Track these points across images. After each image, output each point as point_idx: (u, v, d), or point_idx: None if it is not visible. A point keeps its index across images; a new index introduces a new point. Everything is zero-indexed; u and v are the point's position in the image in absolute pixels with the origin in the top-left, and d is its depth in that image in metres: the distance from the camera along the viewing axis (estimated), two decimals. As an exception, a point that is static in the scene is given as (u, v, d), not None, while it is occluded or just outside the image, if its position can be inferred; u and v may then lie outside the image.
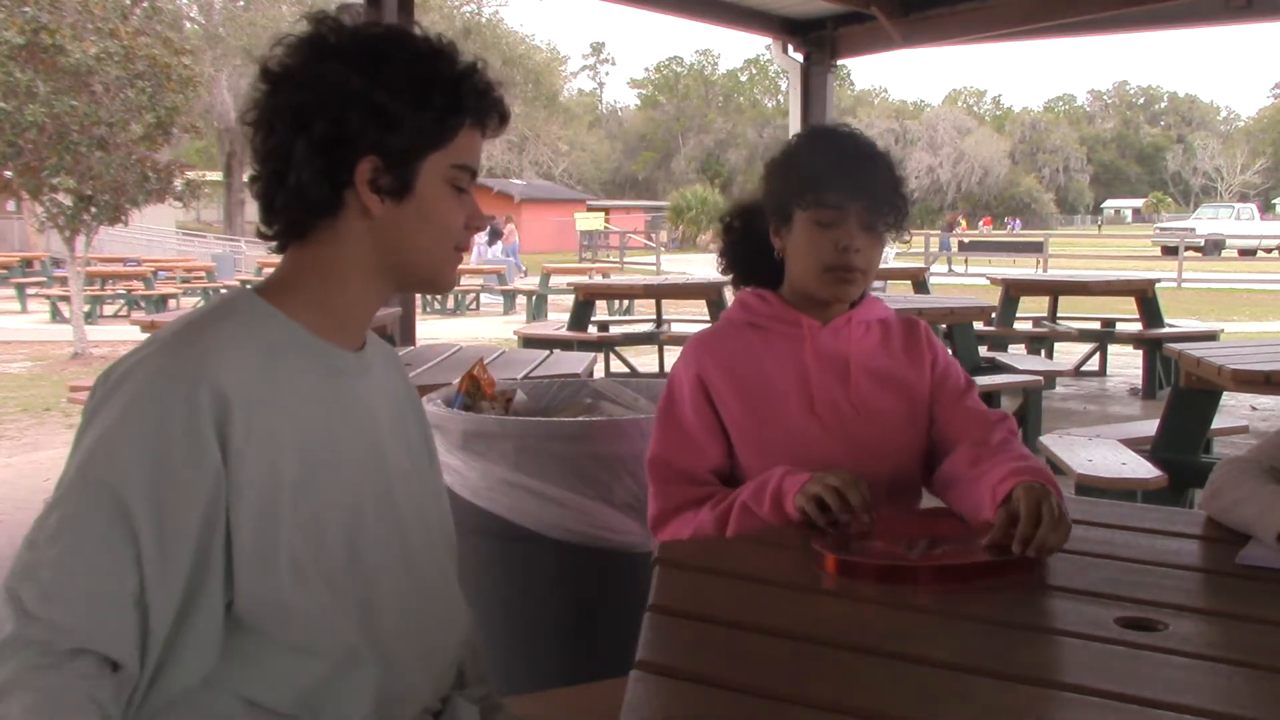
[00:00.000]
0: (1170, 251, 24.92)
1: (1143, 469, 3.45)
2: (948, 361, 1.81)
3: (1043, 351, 8.46)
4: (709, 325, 1.83)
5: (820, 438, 1.67)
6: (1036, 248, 26.28)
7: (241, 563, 1.07)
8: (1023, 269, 20.59)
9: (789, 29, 7.43)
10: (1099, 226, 60.56)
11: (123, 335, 11.75)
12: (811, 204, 1.64)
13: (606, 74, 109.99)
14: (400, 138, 1.13)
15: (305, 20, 1.16)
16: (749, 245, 1.80)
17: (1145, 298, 7.85)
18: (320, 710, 1.13)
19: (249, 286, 1.19)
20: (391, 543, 1.22)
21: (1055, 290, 8.86)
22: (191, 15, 33.32)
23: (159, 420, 1.03)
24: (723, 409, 1.69)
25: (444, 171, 1.17)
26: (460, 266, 1.45)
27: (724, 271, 1.87)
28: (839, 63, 7.72)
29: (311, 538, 1.12)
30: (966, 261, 25.83)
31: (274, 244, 1.19)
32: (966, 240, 31.06)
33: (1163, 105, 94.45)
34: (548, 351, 4.54)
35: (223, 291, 1.27)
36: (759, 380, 1.70)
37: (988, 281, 9.21)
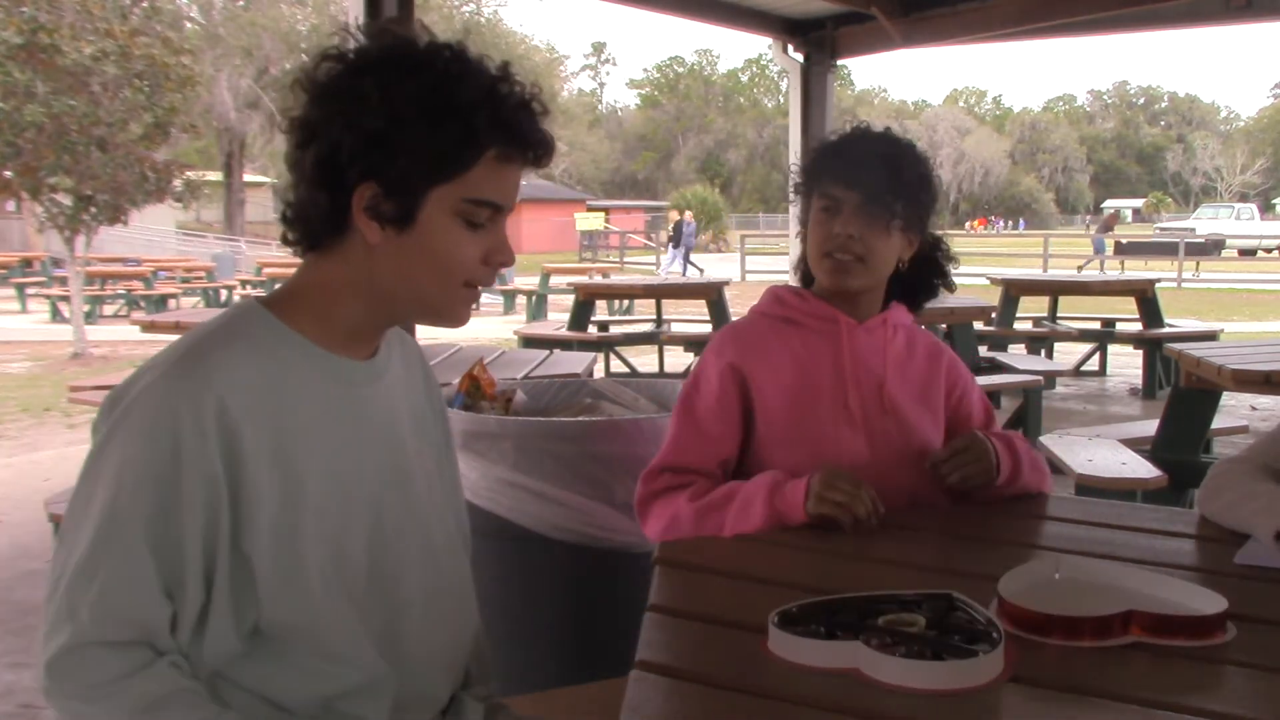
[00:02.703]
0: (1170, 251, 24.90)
1: (1143, 469, 3.45)
2: (965, 389, 1.84)
3: (1043, 351, 8.46)
4: (738, 319, 1.84)
5: (849, 435, 1.69)
6: (1200, 250, 24.41)
7: (264, 582, 1.09)
8: (1159, 272, 18.70)
9: (789, 29, 7.43)
10: (1087, 227, 60.17)
11: (123, 335, 11.74)
12: (816, 193, 1.70)
13: (607, 74, 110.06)
14: (398, 168, 1.08)
15: (338, 33, 1.13)
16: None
17: (1145, 298, 7.86)
18: (340, 714, 1.15)
19: (257, 299, 1.18)
20: (414, 546, 1.23)
21: (1055, 290, 8.87)
22: (191, 15, 33.29)
23: (170, 449, 1.04)
24: (758, 399, 1.70)
25: (453, 205, 1.11)
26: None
27: (801, 281, 1.87)
28: (839, 63, 7.71)
29: (336, 552, 1.14)
30: (1123, 265, 23.64)
31: (294, 250, 1.18)
32: (1125, 241, 28.00)
33: (1163, 105, 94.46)
34: (548, 351, 4.54)
35: (232, 303, 1.28)
36: (793, 374, 1.71)
37: (988, 281, 9.21)
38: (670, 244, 24.89)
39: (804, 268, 1.83)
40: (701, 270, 22.93)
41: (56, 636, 1.03)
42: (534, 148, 1.14)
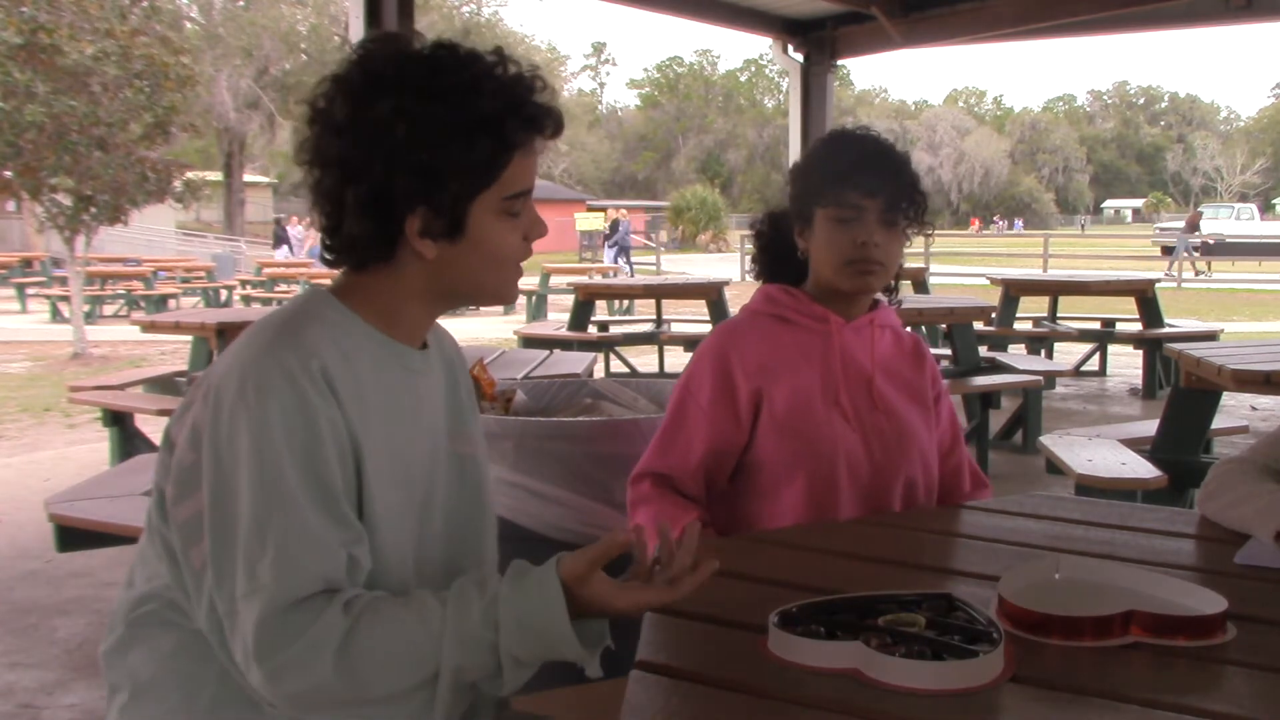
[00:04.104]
0: (1170, 252, 24.83)
1: (1143, 469, 3.45)
2: (938, 398, 1.87)
3: (1043, 351, 8.46)
4: (730, 318, 1.88)
5: (844, 431, 1.72)
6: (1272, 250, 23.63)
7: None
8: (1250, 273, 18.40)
9: (789, 29, 7.43)
10: (1082, 228, 59.76)
11: (123, 335, 11.74)
12: (831, 203, 1.70)
13: (607, 74, 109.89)
14: (446, 189, 1.13)
15: (351, 54, 1.15)
16: (775, 249, 1.86)
17: (1145, 298, 7.85)
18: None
19: (324, 288, 1.22)
20: (456, 528, 1.29)
21: (1055, 290, 8.86)
22: (191, 15, 33.30)
23: (299, 402, 1.09)
24: (754, 395, 1.72)
25: (496, 205, 1.17)
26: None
27: (756, 276, 1.92)
28: (839, 63, 7.71)
29: (394, 526, 1.18)
30: (1210, 265, 23.09)
31: (339, 268, 1.22)
32: (1212, 242, 26.57)
33: (1163, 105, 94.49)
34: (548, 351, 4.54)
35: (298, 292, 1.35)
36: (787, 371, 1.74)
37: (988, 281, 9.21)
38: (606, 243, 25.14)
39: (767, 267, 1.87)
40: (631, 272, 23.20)
41: (248, 616, 1.05)
42: (550, 128, 1.19)
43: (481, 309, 15.87)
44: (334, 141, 1.13)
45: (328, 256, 1.20)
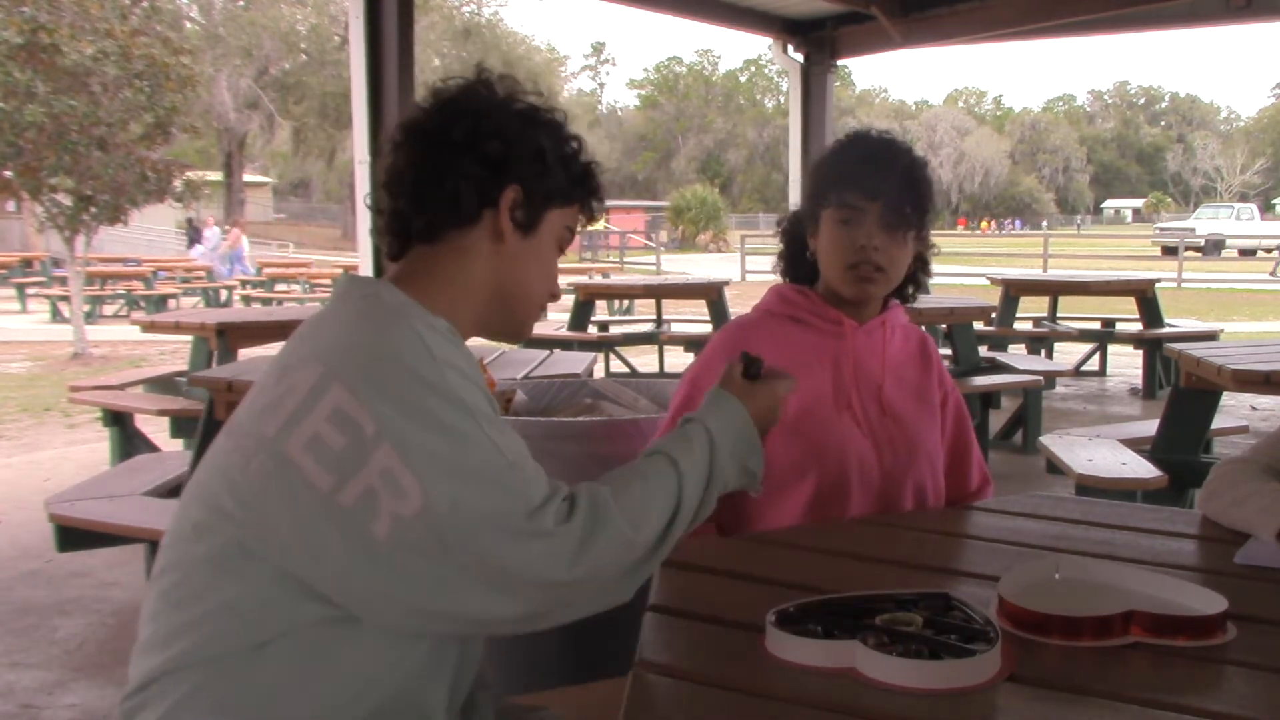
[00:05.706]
0: (1170, 251, 24.82)
1: (1143, 469, 3.45)
2: (945, 396, 1.86)
3: (1043, 351, 8.46)
4: (742, 315, 1.87)
5: (855, 435, 1.71)
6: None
7: None
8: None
9: (789, 29, 7.44)
10: (1077, 228, 59.55)
11: (123, 335, 11.75)
12: (834, 203, 1.70)
13: (607, 74, 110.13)
14: (544, 182, 1.26)
15: (476, 69, 1.30)
16: (794, 248, 1.86)
17: (1145, 298, 7.85)
18: (418, 691, 1.15)
19: (379, 280, 1.24)
20: None
21: (1055, 290, 8.86)
22: (191, 15, 33.31)
23: (443, 349, 1.14)
24: None
25: (559, 227, 1.30)
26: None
27: (781, 275, 1.91)
28: (839, 63, 7.72)
29: None
30: None
31: (397, 246, 1.27)
32: None
33: (1163, 105, 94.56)
34: (548, 351, 4.53)
35: (350, 280, 1.32)
36: (798, 371, 1.71)
37: (988, 281, 9.21)
38: None
39: (788, 266, 1.87)
40: None
41: (535, 520, 1.08)
42: (591, 212, 1.35)
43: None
44: (458, 122, 1.23)
45: (396, 226, 1.24)
